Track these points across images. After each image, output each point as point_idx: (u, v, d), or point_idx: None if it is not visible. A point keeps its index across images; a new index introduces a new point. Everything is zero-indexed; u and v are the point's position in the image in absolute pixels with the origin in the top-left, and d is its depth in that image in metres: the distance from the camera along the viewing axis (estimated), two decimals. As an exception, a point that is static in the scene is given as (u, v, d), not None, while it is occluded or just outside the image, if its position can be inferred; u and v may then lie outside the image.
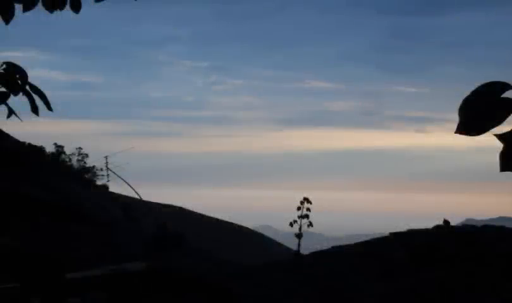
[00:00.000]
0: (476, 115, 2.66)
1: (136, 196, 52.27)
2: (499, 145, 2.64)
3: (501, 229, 38.24)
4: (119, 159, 54.35)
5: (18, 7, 4.51)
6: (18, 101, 4.56)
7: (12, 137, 48.27)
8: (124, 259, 24.12)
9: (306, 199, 37.12)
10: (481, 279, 31.45)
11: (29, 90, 4.53)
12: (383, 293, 30.19)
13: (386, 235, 38.39)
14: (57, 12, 4.59)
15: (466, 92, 2.71)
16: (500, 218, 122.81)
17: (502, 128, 2.65)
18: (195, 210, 67.12)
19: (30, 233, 31.64)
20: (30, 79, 4.54)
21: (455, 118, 2.71)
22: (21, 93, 4.51)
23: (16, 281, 20.54)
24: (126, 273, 18.54)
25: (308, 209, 36.78)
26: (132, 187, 55.38)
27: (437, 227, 37.38)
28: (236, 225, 66.89)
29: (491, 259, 33.84)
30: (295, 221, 36.81)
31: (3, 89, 4.47)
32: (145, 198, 53.92)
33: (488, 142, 2.72)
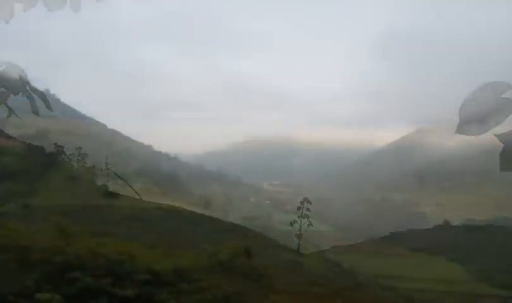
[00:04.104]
0: (476, 115, 2.66)
1: (136, 196, 52.26)
2: (499, 145, 2.64)
3: (501, 229, 38.26)
4: (119, 159, 54.29)
5: (18, 7, 4.51)
6: (18, 101, 4.56)
7: (12, 137, 48.25)
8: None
9: (306, 199, 37.13)
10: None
11: (29, 90, 4.53)
12: (383, 293, 30.25)
13: (386, 235, 38.41)
14: (58, 12, 4.59)
15: (466, 92, 2.71)
16: (500, 218, 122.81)
17: (502, 128, 2.65)
18: (194, 210, 67.25)
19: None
20: (30, 80, 4.54)
21: (455, 118, 2.72)
22: (21, 93, 4.51)
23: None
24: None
25: (308, 209, 36.79)
26: (132, 187, 55.51)
27: (437, 227, 37.41)
28: (236, 224, 66.95)
29: (491, 258, 33.83)
30: (295, 221, 36.81)
31: (3, 89, 4.47)
32: (145, 198, 53.94)
33: (488, 142, 2.73)
